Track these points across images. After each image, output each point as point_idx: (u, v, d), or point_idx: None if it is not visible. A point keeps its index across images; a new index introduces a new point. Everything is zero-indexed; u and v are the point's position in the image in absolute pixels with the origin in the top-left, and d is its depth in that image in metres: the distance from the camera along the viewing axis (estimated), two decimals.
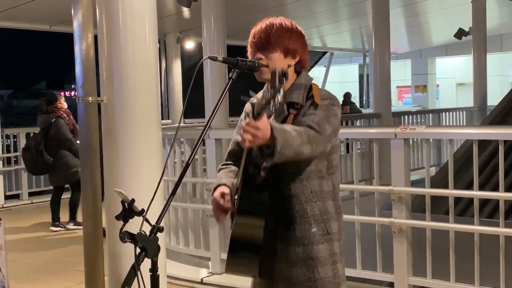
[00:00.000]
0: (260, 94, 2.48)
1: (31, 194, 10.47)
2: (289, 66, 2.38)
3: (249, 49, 2.41)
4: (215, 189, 2.41)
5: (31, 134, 11.01)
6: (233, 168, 2.48)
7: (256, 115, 2.05)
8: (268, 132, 2.05)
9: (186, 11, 10.84)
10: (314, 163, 2.32)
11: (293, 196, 2.31)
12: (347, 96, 15.03)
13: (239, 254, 2.25)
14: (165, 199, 2.28)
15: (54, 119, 7.76)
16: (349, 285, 2.53)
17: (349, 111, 13.84)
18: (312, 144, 2.19)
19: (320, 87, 2.40)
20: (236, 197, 2.33)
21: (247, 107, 2.50)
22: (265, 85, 2.42)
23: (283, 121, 2.31)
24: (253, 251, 2.24)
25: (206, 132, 2.27)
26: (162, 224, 2.13)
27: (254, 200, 2.25)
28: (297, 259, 2.32)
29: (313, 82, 2.41)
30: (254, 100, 2.48)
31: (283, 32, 2.35)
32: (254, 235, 2.22)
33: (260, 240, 2.22)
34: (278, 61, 2.34)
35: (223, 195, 2.34)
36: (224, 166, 2.52)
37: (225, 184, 2.39)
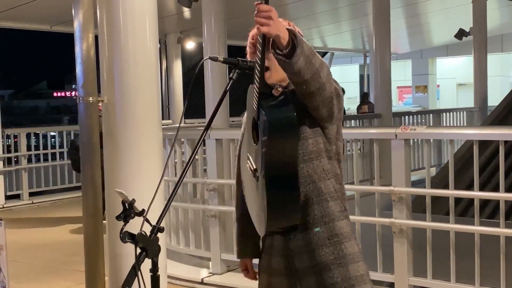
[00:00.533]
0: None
1: (31, 194, 10.46)
2: None
3: (248, 51, 2.41)
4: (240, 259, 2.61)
5: (32, 134, 11.04)
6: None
7: None
8: (281, 23, 2.03)
9: (186, 11, 10.83)
10: (322, 142, 2.28)
11: (305, 176, 2.25)
12: (365, 96, 15.05)
13: (278, 190, 2.15)
14: (166, 199, 2.28)
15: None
16: None
17: (367, 110, 13.79)
18: (324, 64, 2.13)
19: None
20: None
21: (244, 119, 2.47)
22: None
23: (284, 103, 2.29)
24: (292, 180, 2.18)
25: (207, 132, 2.27)
26: (162, 224, 2.14)
27: (280, 118, 2.17)
28: (321, 240, 2.24)
29: None
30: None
31: None
32: (289, 155, 2.17)
33: (296, 160, 2.18)
34: None
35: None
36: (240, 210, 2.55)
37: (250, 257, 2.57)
